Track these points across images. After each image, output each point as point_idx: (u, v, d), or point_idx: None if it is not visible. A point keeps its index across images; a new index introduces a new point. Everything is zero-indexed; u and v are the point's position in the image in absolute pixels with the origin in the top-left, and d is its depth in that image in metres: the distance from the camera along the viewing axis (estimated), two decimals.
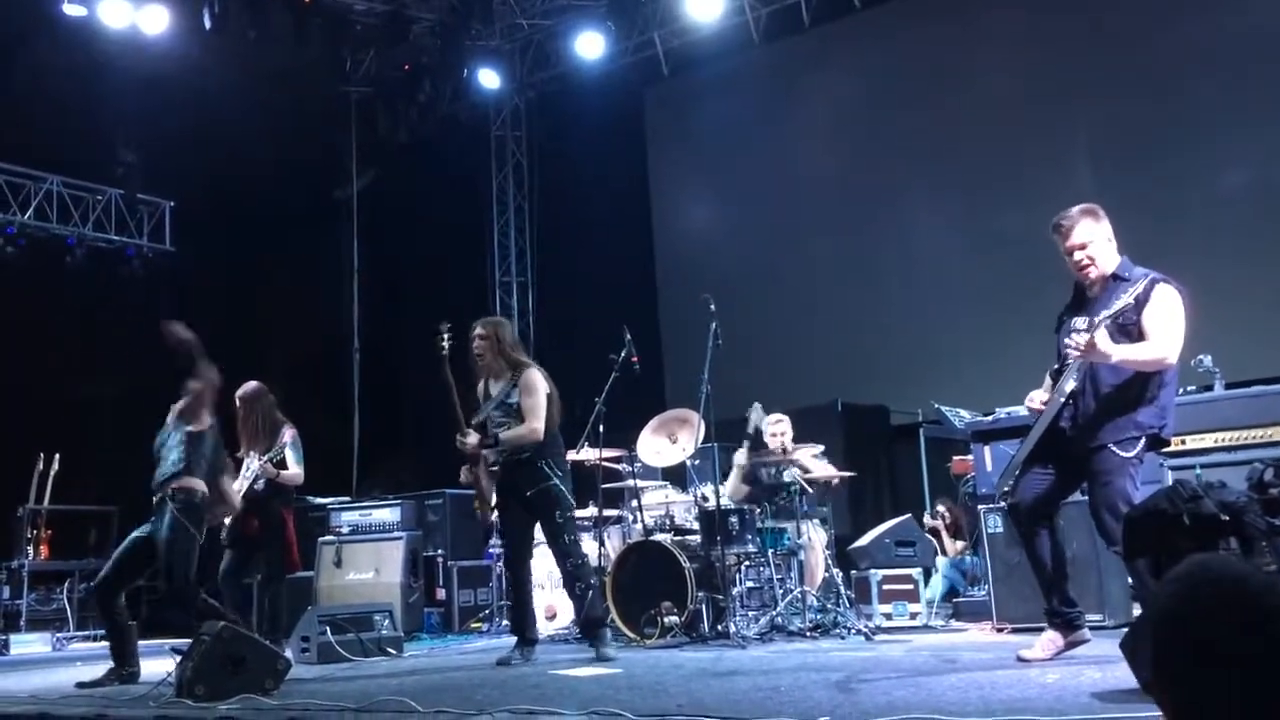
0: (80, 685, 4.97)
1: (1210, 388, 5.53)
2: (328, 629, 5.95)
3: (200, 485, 5.18)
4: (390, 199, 12.86)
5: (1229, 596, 1.31)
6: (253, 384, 6.53)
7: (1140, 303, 4.06)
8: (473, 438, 5.48)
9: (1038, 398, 4.32)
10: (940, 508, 8.18)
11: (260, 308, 11.35)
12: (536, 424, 5.38)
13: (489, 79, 12.65)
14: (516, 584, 5.66)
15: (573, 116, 12.59)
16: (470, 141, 13.31)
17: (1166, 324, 4.06)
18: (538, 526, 5.66)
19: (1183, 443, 5.22)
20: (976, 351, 9.43)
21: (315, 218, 12.55)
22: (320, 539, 8.32)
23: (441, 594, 8.56)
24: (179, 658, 4.37)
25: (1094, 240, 4.23)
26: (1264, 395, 5.35)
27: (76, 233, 11.01)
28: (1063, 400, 4.15)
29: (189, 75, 10.28)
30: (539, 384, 5.45)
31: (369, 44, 12.38)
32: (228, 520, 6.38)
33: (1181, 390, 5.45)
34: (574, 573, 5.45)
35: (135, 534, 5.34)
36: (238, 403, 6.42)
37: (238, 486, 6.36)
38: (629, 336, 6.74)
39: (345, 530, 8.38)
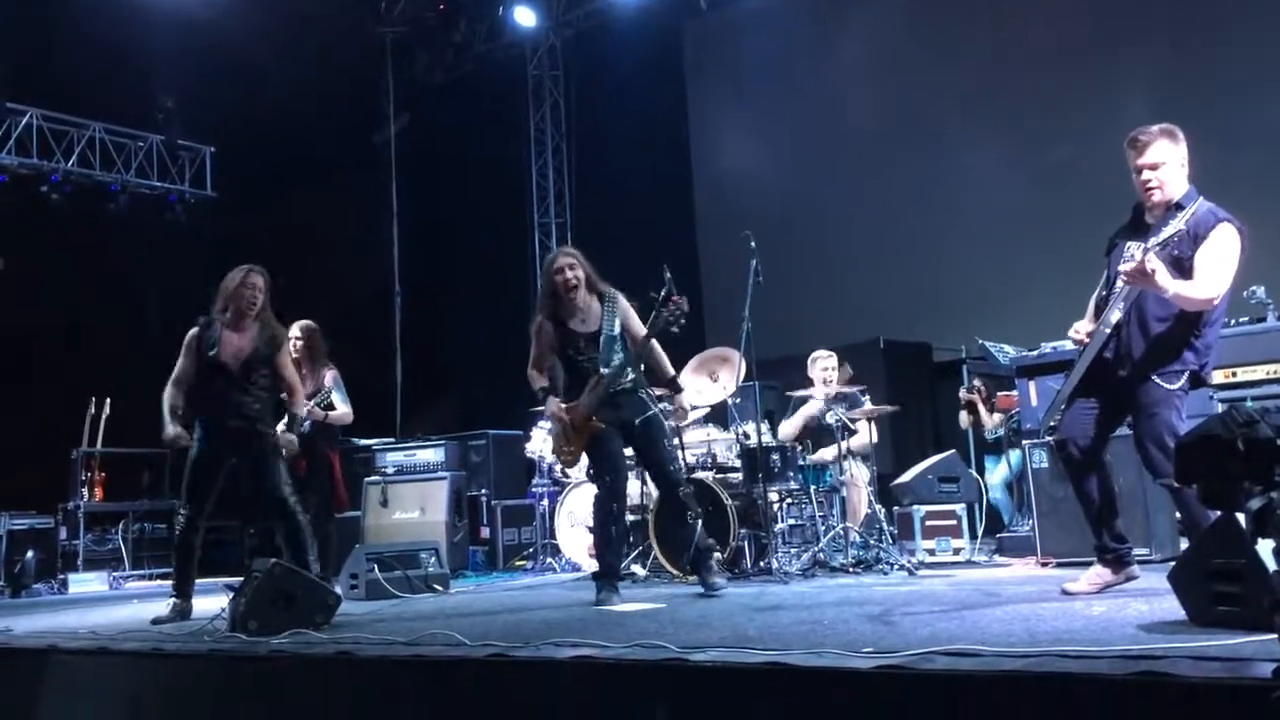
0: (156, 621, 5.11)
1: (1263, 319, 5.41)
2: (375, 566, 6.05)
3: None
4: (428, 141, 12.83)
5: None
6: (300, 323, 6.58)
7: (1197, 238, 3.95)
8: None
9: (1082, 329, 4.24)
10: (976, 381, 8.20)
11: (302, 252, 11.40)
12: (659, 359, 5.41)
13: (525, 17, 12.52)
14: (619, 519, 5.38)
15: (610, 54, 12.43)
16: (507, 82, 13.21)
17: (1219, 264, 3.95)
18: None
19: (1234, 375, 5.14)
20: (1020, 287, 9.29)
21: (354, 161, 12.56)
22: (366, 479, 8.45)
23: (486, 533, 8.68)
24: (232, 594, 4.47)
25: (1167, 162, 4.08)
26: None
27: (120, 179, 11.11)
28: (1108, 331, 4.08)
29: (227, 21, 10.27)
30: (630, 309, 5.34)
31: None
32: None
33: (1234, 321, 5.37)
34: (685, 501, 5.27)
35: None
36: (293, 338, 6.43)
37: (281, 427, 6.44)
38: (669, 275, 6.69)
39: (390, 471, 8.49)
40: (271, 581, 4.43)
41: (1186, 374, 4.02)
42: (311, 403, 6.28)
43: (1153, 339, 4.04)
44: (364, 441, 9.00)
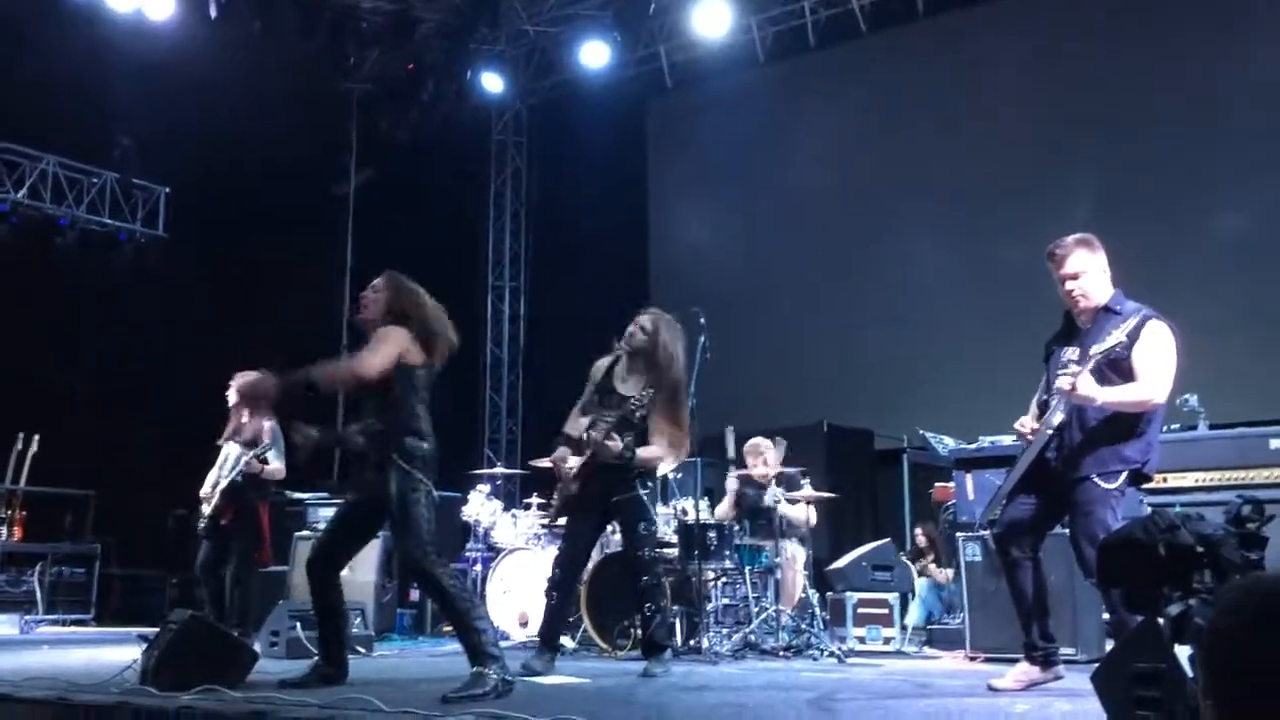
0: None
1: (1194, 427, 5.54)
2: (298, 624, 5.90)
3: None
4: (387, 198, 12.83)
5: None
6: (244, 374, 6.48)
7: (1131, 339, 4.06)
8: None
9: (1027, 424, 4.31)
10: (917, 533, 8.18)
11: (250, 300, 11.31)
12: (656, 452, 5.16)
13: (492, 83, 12.66)
14: (565, 591, 5.27)
15: (574, 125, 12.60)
16: (471, 145, 13.31)
17: (1157, 363, 4.06)
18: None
19: (1164, 480, 5.23)
20: (963, 380, 9.44)
21: (311, 213, 12.52)
22: (296, 534, 8.27)
23: (415, 595, 8.51)
24: (146, 645, 4.33)
25: (1088, 270, 4.22)
26: (1246, 438, 5.37)
27: (70, 214, 10.96)
28: (1050, 432, 4.15)
29: (192, 63, 10.26)
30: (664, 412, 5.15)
31: (374, 41, 12.38)
32: (204, 511, 6.37)
33: (1166, 428, 5.48)
34: (646, 590, 5.10)
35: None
36: (234, 391, 6.36)
37: (213, 477, 6.34)
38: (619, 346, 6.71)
39: (323, 526, 8.32)
40: (187, 634, 4.30)
41: (1126, 473, 4.10)
42: (250, 453, 6.20)
43: (1093, 439, 4.11)
44: (298, 495, 8.83)
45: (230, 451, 6.36)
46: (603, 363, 5.35)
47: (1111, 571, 2.82)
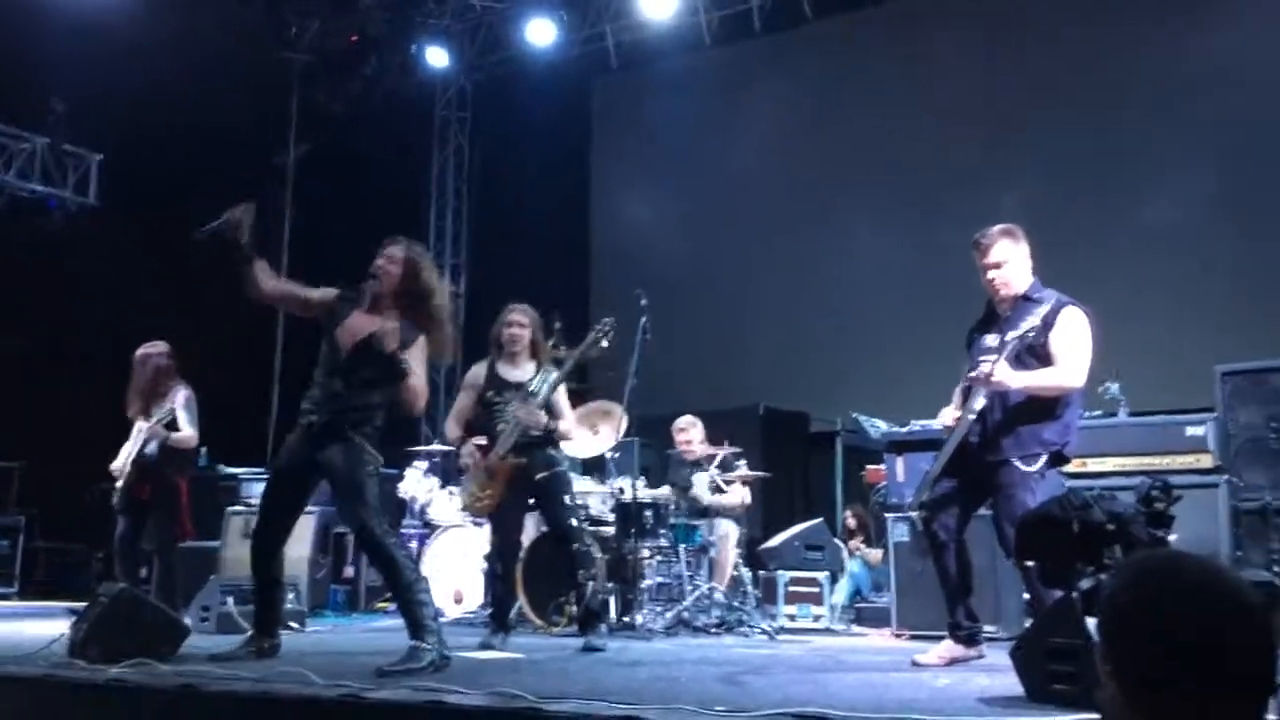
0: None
1: (1115, 414, 5.72)
2: (230, 599, 5.86)
3: None
4: (327, 171, 12.66)
5: (1179, 585, 1.40)
6: (148, 345, 6.33)
7: (1047, 325, 4.20)
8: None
9: (949, 414, 4.44)
10: (847, 514, 8.33)
11: (184, 270, 11.09)
12: (568, 420, 5.50)
13: (437, 58, 12.55)
14: (509, 578, 5.58)
15: (518, 103, 12.53)
16: (413, 120, 13.17)
17: (1072, 348, 4.21)
18: None
19: (1084, 465, 5.40)
20: (898, 364, 9.60)
21: (249, 183, 12.27)
22: (229, 508, 8.18)
23: (349, 572, 8.48)
24: (75, 618, 4.28)
25: (1010, 260, 4.37)
26: (1164, 425, 5.56)
27: None
28: (972, 417, 4.27)
29: (128, 28, 10.02)
30: (562, 388, 5.49)
31: (316, 11, 12.20)
32: (119, 486, 6.20)
33: (1087, 414, 5.66)
34: (579, 557, 5.36)
35: None
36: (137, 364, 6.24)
37: (127, 451, 6.16)
38: (558, 325, 6.73)
39: (255, 502, 8.23)
40: (116, 607, 4.26)
41: (1045, 456, 4.23)
42: (153, 420, 6.02)
43: (1013, 422, 4.24)
44: (231, 470, 8.74)
45: (143, 425, 6.19)
46: (478, 373, 5.54)
47: (1028, 547, 2.94)
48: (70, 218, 11.16)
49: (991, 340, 4.34)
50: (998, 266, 4.35)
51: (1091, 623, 2.71)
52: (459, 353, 5.41)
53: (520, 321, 5.47)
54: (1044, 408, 4.23)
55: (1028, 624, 5.00)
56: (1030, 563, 3.37)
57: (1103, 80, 9.55)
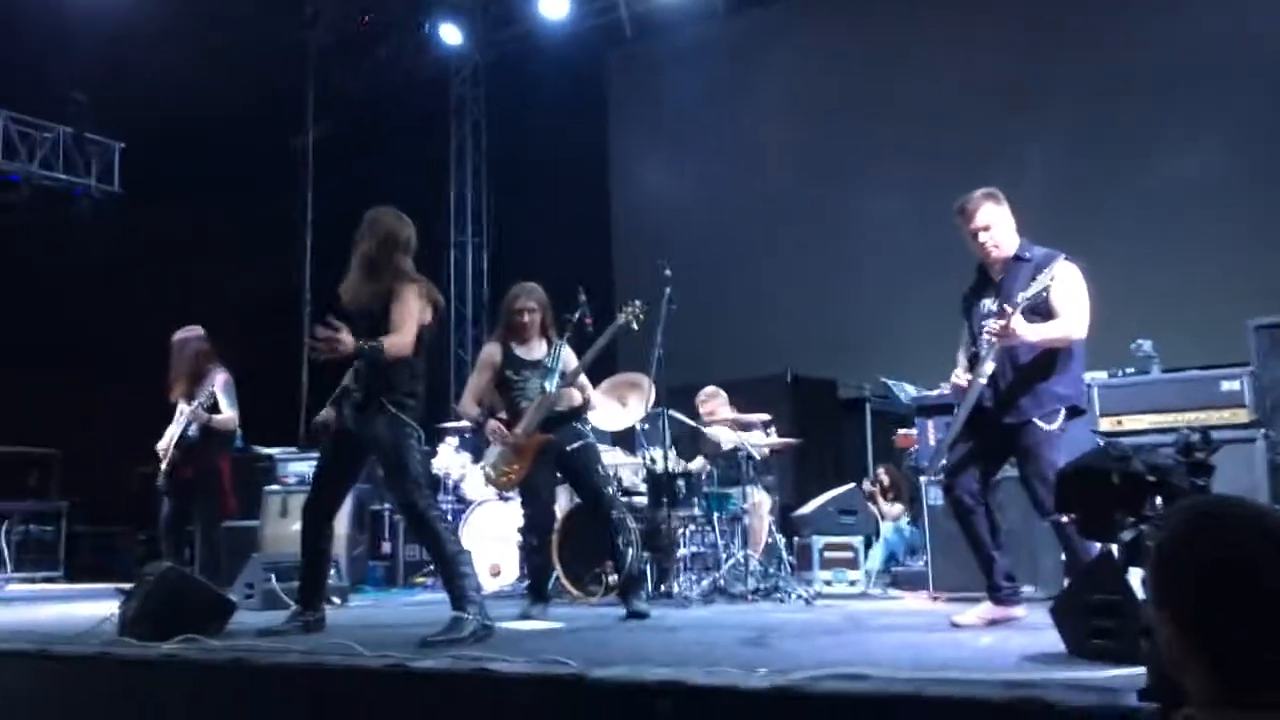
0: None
1: (1148, 371, 5.69)
2: (272, 576, 5.95)
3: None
4: (346, 151, 12.69)
5: (1230, 522, 1.42)
6: (184, 329, 6.43)
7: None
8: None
9: (961, 375, 4.46)
10: (881, 471, 8.35)
11: (209, 255, 11.20)
12: (590, 393, 5.63)
13: (451, 35, 12.53)
14: (544, 550, 5.64)
15: (534, 77, 12.50)
16: (430, 98, 13.17)
17: (1074, 300, 4.26)
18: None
19: (1119, 422, 5.40)
20: (924, 328, 9.52)
21: (269, 166, 12.37)
22: (266, 488, 8.29)
23: (387, 548, 8.58)
24: (124, 597, 4.36)
25: (996, 222, 4.41)
26: (1197, 380, 5.53)
27: (23, 169, 10.77)
28: (983, 381, 4.29)
29: (147, 15, 10.07)
30: (574, 358, 5.57)
31: None
32: (163, 468, 6.32)
33: (1120, 373, 5.66)
34: (619, 524, 5.49)
35: None
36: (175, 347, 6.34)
37: (170, 433, 6.28)
38: (584, 298, 6.73)
39: (292, 480, 8.34)
40: (164, 586, 4.34)
41: (1063, 411, 4.27)
42: (195, 404, 6.13)
43: (1027, 383, 4.29)
44: (266, 450, 8.84)
45: (185, 408, 6.30)
46: (494, 354, 5.57)
47: (1068, 499, 2.94)
48: (96, 205, 11.25)
49: (990, 304, 4.39)
50: (986, 229, 4.39)
51: (1134, 575, 2.73)
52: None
53: (529, 308, 5.51)
54: (1053, 363, 4.28)
55: (1065, 582, 5.02)
56: (1069, 516, 3.38)
57: (1127, 35, 9.45)
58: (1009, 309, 4.17)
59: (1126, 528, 2.55)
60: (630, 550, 5.47)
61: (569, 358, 5.56)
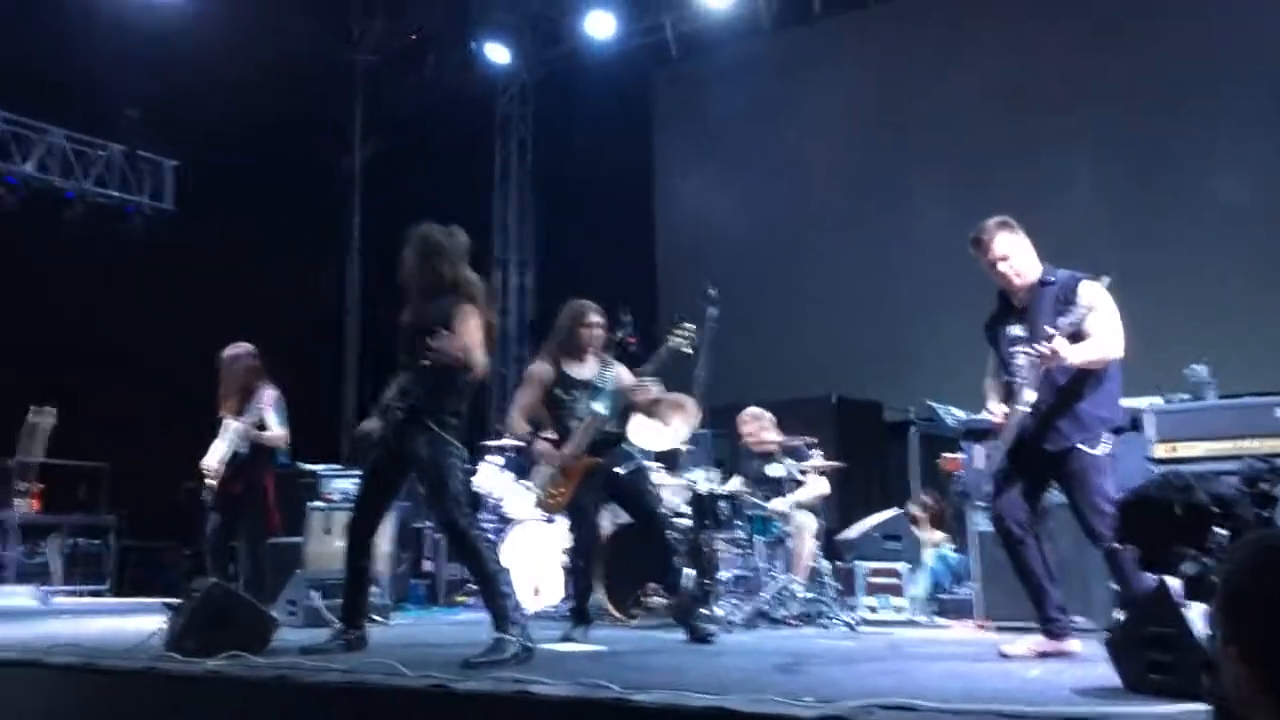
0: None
1: (1203, 397, 5.57)
2: (315, 593, 5.96)
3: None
4: (393, 169, 12.83)
5: None
6: (234, 345, 6.50)
7: (1069, 302, 4.18)
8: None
9: (997, 409, 4.38)
10: (925, 498, 8.22)
11: (258, 271, 11.33)
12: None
13: (497, 54, 12.64)
14: (589, 573, 5.60)
15: (580, 96, 12.57)
16: (475, 116, 13.28)
17: (1107, 320, 4.21)
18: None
19: (1174, 449, 5.28)
20: (972, 350, 9.40)
21: (318, 184, 12.53)
22: (310, 504, 8.33)
23: (429, 566, 8.59)
24: (171, 612, 4.39)
25: (1014, 252, 4.39)
26: (1255, 407, 5.40)
27: (77, 187, 10.97)
28: (1026, 409, 4.23)
29: (198, 36, 10.25)
30: (626, 374, 5.50)
31: (377, 12, 12.36)
32: (211, 483, 6.37)
33: (1175, 398, 5.55)
34: (673, 545, 5.45)
35: None
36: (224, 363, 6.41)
37: (217, 449, 6.33)
38: (628, 317, 6.70)
39: (336, 497, 8.38)
40: (210, 602, 4.36)
41: (1106, 433, 4.23)
42: (246, 420, 6.19)
43: (1066, 408, 4.23)
44: (310, 466, 8.89)
45: (232, 424, 6.36)
46: (544, 371, 5.47)
47: (1128, 530, 2.87)
48: (148, 222, 11.44)
49: (1018, 330, 4.35)
50: (1005, 259, 4.38)
51: (1196, 609, 2.65)
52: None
53: (598, 323, 5.45)
54: (1094, 386, 4.23)
55: (1117, 613, 4.91)
56: (1127, 546, 3.30)
57: (1185, 47, 9.30)
58: (1050, 331, 4.10)
59: (1189, 560, 2.48)
60: (687, 572, 5.40)
61: (623, 375, 5.45)
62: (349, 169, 12.93)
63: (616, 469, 5.35)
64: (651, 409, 7.01)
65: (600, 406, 5.32)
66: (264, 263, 11.28)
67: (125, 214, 11.39)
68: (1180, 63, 9.28)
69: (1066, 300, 4.19)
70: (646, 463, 7.20)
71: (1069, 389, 4.22)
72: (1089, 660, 3.88)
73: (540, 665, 4.01)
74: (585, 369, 5.45)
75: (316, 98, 12.14)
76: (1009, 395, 4.35)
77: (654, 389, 5.30)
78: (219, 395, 6.39)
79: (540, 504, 5.72)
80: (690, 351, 5.48)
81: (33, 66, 9.77)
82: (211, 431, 6.45)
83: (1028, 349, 4.24)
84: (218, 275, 10.31)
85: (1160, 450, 5.34)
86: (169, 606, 4.50)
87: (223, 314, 8.70)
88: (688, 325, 5.46)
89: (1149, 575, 3.55)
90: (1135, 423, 5.41)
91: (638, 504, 5.47)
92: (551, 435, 5.49)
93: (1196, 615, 2.75)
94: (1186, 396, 5.58)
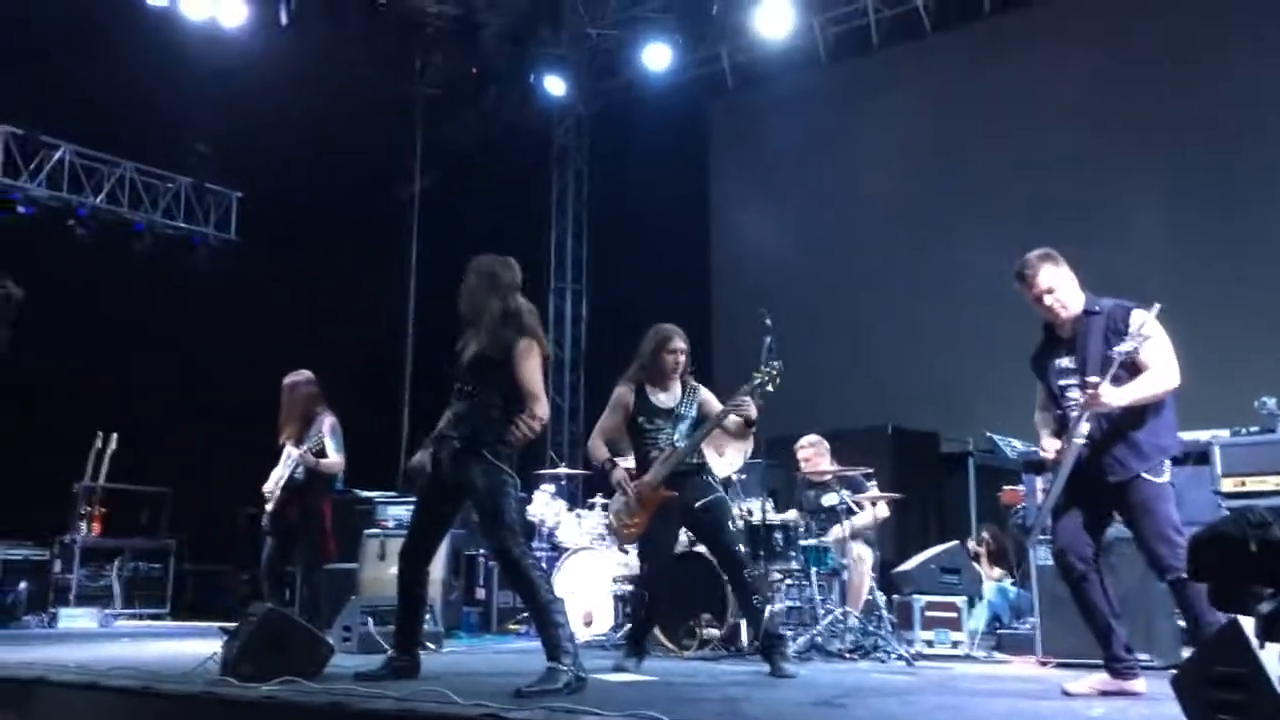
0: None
1: (1273, 430, 5.42)
2: (370, 620, 6.00)
3: None
4: (451, 200, 12.99)
5: None
6: (294, 373, 6.59)
7: (1120, 334, 4.12)
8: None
9: (1050, 445, 4.31)
10: (985, 534, 8.08)
11: (319, 302, 11.50)
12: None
13: (555, 86, 12.77)
14: (655, 606, 5.45)
15: (636, 127, 12.65)
16: (533, 148, 13.43)
17: (1161, 349, 4.16)
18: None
19: (1243, 484, 5.14)
20: (1028, 382, 9.29)
21: (377, 216, 12.71)
22: (365, 531, 8.40)
23: (481, 594, 8.60)
24: (227, 637, 4.44)
25: (1059, 285, 4.34)
26: None
27: (146, 218, 11.24)
28: (1082, 442, 4.16)
29: (263, 69, 10.49)
30: (711, 398, 5.40)
31: (439, 46, 12.55)
32: (269, 508, 6.46)
33: (1244, 431, 5.40)
34: (753, 584, 5.27)
35: None
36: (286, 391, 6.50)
37: (277, 475, 6.42)
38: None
39: (391, 524, 8.44)
40: (266, 627, 4.40)
41: (1167, 462, 4.16)
42: (304, 447, 6.26)
43: (1124, 438, 4.17)
44: (366, 493, 8.98)
45: (292, 451, 6.45)
46: (627, 397, 5.38)
47: (1202, 567, 2.78)
48: (213, 253, 11.69)
49: (1067, 362, 4.31)
50: (1051, 292, 4.34)
51: (1270, 649, 2.56)
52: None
53: (682, 349, 5.36)
54: (1151, 415, 4.17)
55: (1184, 650, 4.78)
56: (1200, 583, 3.20)
57: (1239, 87, 9.13)
58: (1093, 380, 4.05)
59: (1265, 600, 2.39)
60: (770, 609, 5.25)
61: (707, 399, 5.38)
62: (408, 200, 13.11)
63: (696, 503, 5.22)
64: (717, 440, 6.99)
65: (681, 438, 5.24)
66: (324, 292, 11.47)
67: (192, 245, 11.66)
68: (1249, 95, 9.10)
69: (1117, 330, 4.14)
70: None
71: (1124, 419, 4.16)
72: (1154, 699, 3.78)
73: (592, 695, 3.98)
74: (669, 396, 5.37)
75: (378, 130, 12.34)
76: (1062, 428, 4.28)
77: (751, 408, 5.16)
78: (279, 422, 6.48)
79: (614, 532, 5.67)
80: (773, 388, 5.27)
81: (103, 101, 10.05)
82: (271, 458, 6.53)
83: (1078, 388, 4.18)
84: (279, 304, 10.48)
85: (1227, 484, 5.21)
86: (226, 631, 4.54)
87: (283, 342, 8.83)
88: (775, 364, 5.29)
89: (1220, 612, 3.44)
90: (1203, 455, 5.29)
91: (716, 540, 5.32)
92: (629, 463, 5.41)
93: (1270, 656, 2.65)
94: (1255, 430, 5.43)
